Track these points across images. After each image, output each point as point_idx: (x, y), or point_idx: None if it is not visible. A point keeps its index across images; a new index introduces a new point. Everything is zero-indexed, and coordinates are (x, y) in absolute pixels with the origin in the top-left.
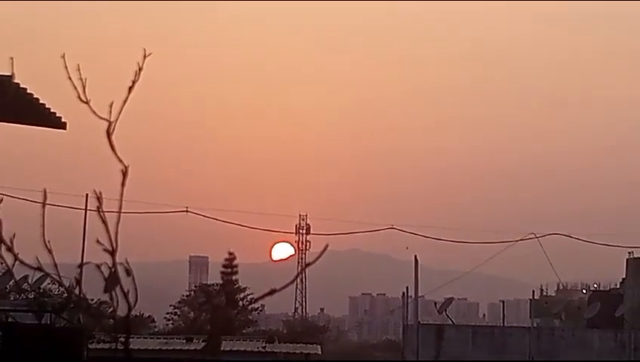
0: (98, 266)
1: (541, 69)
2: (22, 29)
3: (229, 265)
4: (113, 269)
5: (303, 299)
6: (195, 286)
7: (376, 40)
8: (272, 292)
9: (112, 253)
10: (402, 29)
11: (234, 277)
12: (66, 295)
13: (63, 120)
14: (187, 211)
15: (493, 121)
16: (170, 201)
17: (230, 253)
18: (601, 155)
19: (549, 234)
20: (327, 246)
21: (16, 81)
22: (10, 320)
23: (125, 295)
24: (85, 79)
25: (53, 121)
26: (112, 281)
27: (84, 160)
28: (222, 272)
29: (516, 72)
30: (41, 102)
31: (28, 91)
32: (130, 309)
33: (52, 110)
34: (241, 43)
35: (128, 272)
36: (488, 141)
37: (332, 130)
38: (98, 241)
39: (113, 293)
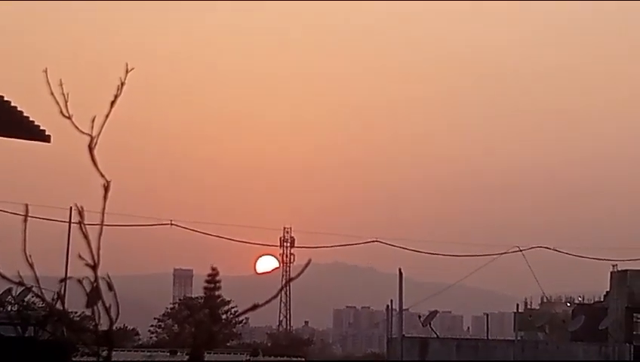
0: (80, 281)
1: (527, 80)
2: (5, 42)
3: (212, 280)
4: (95, 284)
5: (288, 311)
6: (180, 300)
7: (363, 49)
8: (254, 307)
9: (94, 267)
10: (389, 35)
11: (217, 293)
12: (48, 309)
13: (47, 133)
14: (171, 224)
15: (478, 133)
16: (154, 214)
17: (213, 269)
18: (586, 168)
19: (533, 248)
20: (309, 261)
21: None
22: None
23: (107, 310)
24: (67, 94)
25: (37, 133)
26: (93, 296)
27: (68, 172)
28: (205, 287)
29: (503, 84)
30: (25, 115)
31: (12, 104)
32: (112, 324)
33: (36, 123)
34: (223, 55)
35: (110, 287)
36: (473, 153)
37: (317, 141)
38: (80, 256)
39: (95, 308)
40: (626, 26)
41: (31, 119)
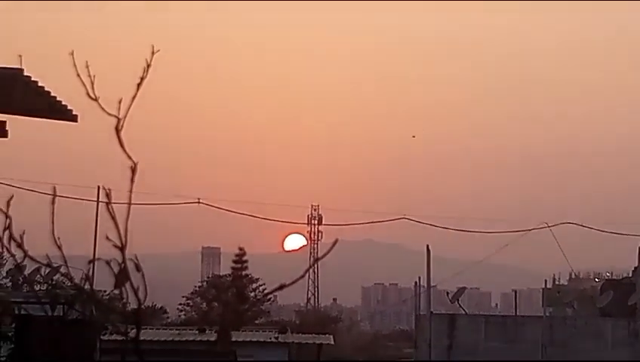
0: (108, 262)
1: (553, 54)
2: (33, 22)
3: (239, 261)
4: (123, 265)
5: (316, 289)
6: (208, 278)
7: (383, 25)
8: (281, 287)
9: (122, 248)
10: (409, 14)
11: (244, 272)
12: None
13: (74, 112)
14: (199, 202)
15: (505, 109)
16: (182, 192)
17: (240, 248)
18: (614, 142)
19: (561, 223)
20: (336, 240)
21: (26, 74)
22: (22, 312)
23: (135, 291)
24: (94, 76)
25: (64, 113)
26: (121, 277)
27: (96, 151)
28: (232, 268)
29: (524, 60)
30: (52, 94)
31: (39, 84)
32: (139, 305)
33: (63, 102)
34: (249, 28)
35: (138, 268)
36: (501, 129)
37: (344, 119)
38: (107, 238)
39: (123, 289)
40: None
41: (58, 98)
